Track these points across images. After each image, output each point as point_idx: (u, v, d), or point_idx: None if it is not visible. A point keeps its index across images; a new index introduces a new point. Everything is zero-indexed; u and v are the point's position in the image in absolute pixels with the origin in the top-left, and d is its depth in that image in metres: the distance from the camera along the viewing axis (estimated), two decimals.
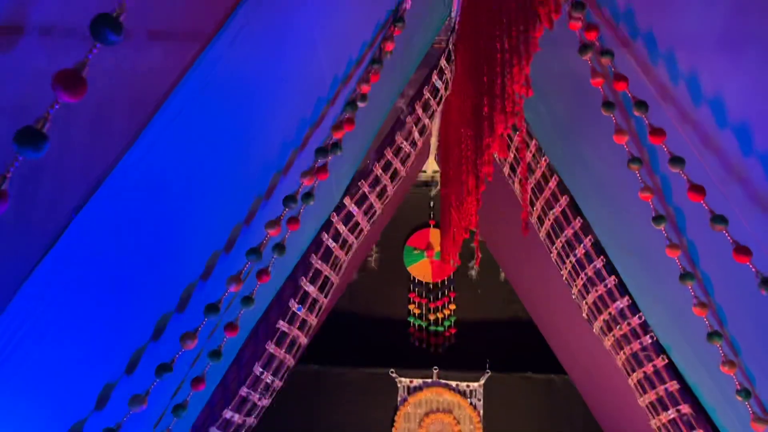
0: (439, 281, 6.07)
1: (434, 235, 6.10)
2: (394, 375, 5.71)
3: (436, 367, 5.73)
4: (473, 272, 6.11)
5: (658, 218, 2.48)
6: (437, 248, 5.91)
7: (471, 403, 5.67)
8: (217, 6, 1.63)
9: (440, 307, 5.97)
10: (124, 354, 2.11)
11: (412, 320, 5.95)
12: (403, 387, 5.71)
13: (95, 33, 1.06)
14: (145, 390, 2.19)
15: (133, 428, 2.20)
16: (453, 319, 5.94)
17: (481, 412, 5.62)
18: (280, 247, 2.59)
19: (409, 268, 6.09)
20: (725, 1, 1.93)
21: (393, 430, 5.59)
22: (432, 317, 5.92)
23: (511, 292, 5.79)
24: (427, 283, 6.08)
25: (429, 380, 5.71)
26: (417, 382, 5.72)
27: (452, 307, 5.97)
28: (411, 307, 5.99)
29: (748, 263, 2.05)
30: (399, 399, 5.68)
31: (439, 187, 5.99)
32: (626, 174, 2.59)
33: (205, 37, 1.61)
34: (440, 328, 5.91)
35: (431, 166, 6.05)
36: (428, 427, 5.61)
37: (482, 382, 5.67)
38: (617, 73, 2.40)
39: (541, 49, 1.82)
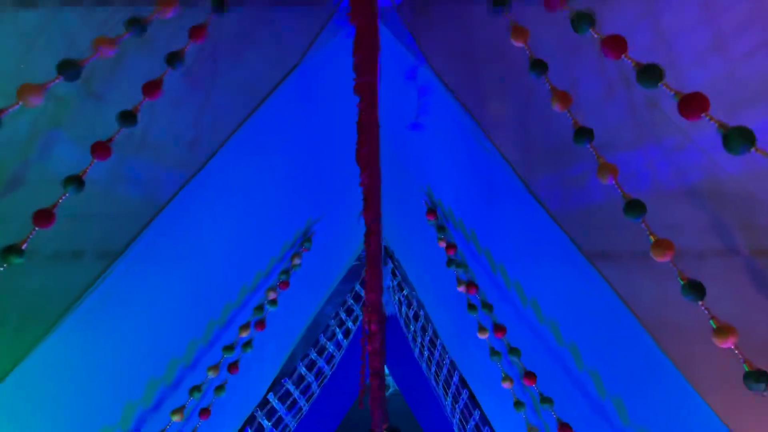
0: None
1: None
2: None
3: None
4: None
5: (517, 404, 2.84)
6: None
7: None
8: (126, 227, 2.18)
9: None
10: None
11: None
12: None
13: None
14: None
15: None
16: None
17: None
18: None
19: None
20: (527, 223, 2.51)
21: None
22: None
23: None
24: None
25: None
26: None
27: None
28: None
29: None
30: None
31: (392, 389, 6.25)
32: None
33: (113, 255, 2.14)
34: None
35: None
36: None
37: None
38: (470, 281, 2.95)
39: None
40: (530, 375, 2.61)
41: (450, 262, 3.09)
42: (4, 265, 1.62)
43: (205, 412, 2.96)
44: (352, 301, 4.23)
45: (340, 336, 4.15)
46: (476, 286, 2.91)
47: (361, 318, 4.39)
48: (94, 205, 2.15)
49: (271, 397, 3.75)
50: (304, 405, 3.96)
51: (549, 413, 2.56)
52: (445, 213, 3.13)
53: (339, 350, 4.18)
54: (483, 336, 2.95)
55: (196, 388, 2.81)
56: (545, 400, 2.51)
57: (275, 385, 3.80)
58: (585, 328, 2.36)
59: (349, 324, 4.23)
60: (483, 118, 2.42)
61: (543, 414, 2.80)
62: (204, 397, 2.95)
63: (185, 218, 2.41)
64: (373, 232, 2.37)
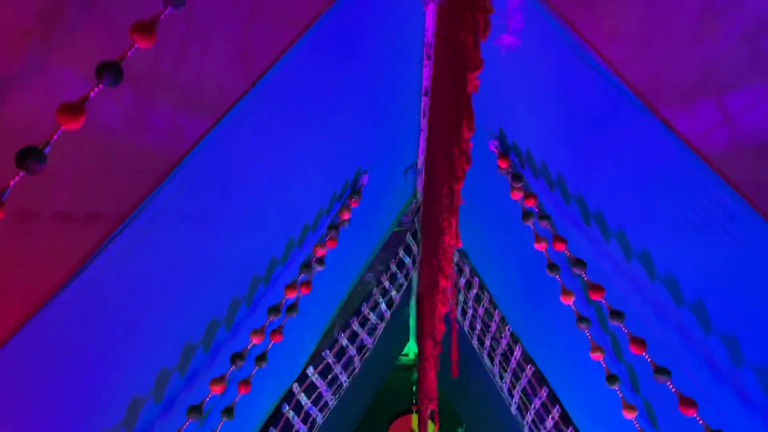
0: None
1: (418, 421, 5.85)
2: None
3: None
4: None
5: (611, 378, 2.44)
6: None
7: None
8: (139, 185, 1.77)
9: None
10: None
11: None
12: None
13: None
14: None
15: None
16: None
17: None
18: (228, 411, 2.51)
19: None
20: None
21: None
22: None
23: None
24: None
25: None
26: None
27: None
28: None
29: (694, 416, 1.99)
30: None
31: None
32: (580, 335, 2.59)
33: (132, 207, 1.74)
34: None
35: (413, 350, 5.99)
36: None
37: None
38: (556, 235, 2.53)
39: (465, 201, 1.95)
40: (638, 341, 2.19)
41: (527, 215, 2.67)
42: (21, 173, 1.21)
43: (245, 383, 2.56)
44: (396, 268, 3.82)
45: (383, 306, 3.76)
46: (564, 241, 2.50)
47: (404, 287, 3.99)
48: (114, 156, 1.75)
49: (310, 371, 3.35)
50: (345, 380, 3.56)
51: (660, 387, 2.15)
52: (522, 158, 2.71)
53: (382, 321, 3.78)
54: (567, 300, 2.53)
55: (238, 356, 2.42)
56: (660, 370, 2.10)
57: (314, 357, 3.40)
58: (713, 284, 1.95)
59: (393, 293, 3.83)
60: (590, 32, 2.00)
61: (644, 389, 2.40)
62: (244, 368, 2.55)
63: (219, 165, 2.01)
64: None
